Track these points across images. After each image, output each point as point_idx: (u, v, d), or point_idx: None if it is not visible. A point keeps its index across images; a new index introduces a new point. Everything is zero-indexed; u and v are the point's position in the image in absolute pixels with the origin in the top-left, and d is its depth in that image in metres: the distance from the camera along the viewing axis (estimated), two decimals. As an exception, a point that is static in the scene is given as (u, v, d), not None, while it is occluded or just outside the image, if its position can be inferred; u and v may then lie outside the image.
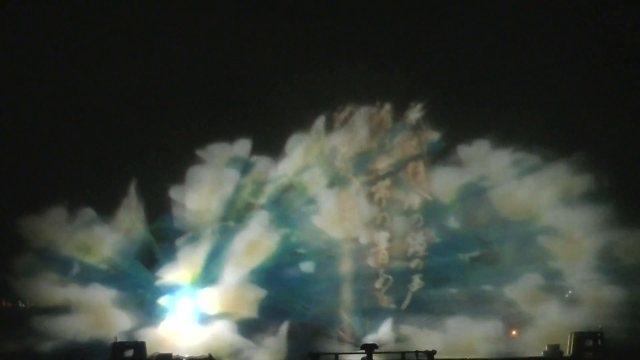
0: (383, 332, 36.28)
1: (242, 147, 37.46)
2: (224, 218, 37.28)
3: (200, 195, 37.17)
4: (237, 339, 36.14)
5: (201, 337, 36.05)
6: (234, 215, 37.33)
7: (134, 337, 35.44)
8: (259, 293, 36.39)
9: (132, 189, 36.88)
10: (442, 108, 37.53)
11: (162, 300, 36.86)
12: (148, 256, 37.24)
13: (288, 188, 37.59)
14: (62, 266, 36.59)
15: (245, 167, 37.54)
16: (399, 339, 36.10)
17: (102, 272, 36.83)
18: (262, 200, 37.53)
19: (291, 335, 36.10)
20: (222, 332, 36.20)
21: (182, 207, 37.10)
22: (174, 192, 37.09)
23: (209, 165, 37.34)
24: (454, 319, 36.43)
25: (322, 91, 36.92)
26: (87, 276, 36.63)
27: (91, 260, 36.83)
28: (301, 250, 37.47)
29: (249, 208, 37.43)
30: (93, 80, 36.51)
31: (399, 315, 36.77)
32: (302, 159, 37.58)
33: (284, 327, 36.12)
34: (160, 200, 36.95)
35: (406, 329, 36.43)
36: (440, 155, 37.42)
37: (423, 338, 35.82)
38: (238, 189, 37.45)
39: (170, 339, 35.93)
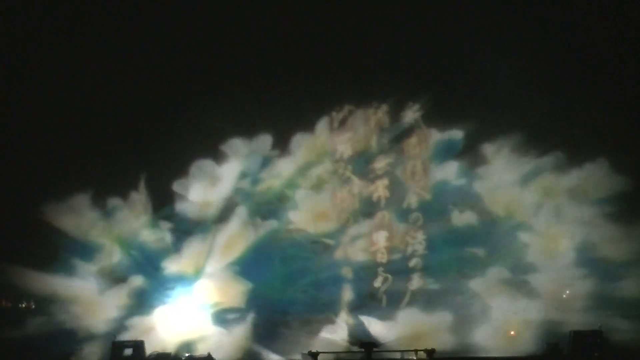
0: (339, 325, 36.36)
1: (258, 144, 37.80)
2: (229, 212, 37.43)
3: (208, 189, 37.43)
4: (213, 327, 36.44)
5: (181, 324, 36.33)
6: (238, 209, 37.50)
7: (125, 325, 35.74)
8: (248, 285, 36.64)
9: (142, 182, 37.14)
10: (442, 108, 37.46)
11: (163, 290, 37.01)
12: (158, 247, 37.42)
13: (291, 185, 37.83)
14: (84, 255, 36.79)
15: (254, 163, 37.82)
16: (356, 332, 36.14)
17: (116, 261, 37.11)
18: (266, 196, 37.90)
19: (255, 325, 36.28)
20: (202, 320, 36.54)
21: (188, 200, 37.40)
22: (179, 186, 37.31)
23: (220, 159, 37.58)
24: (406, 311, 36.51)
25: (321, 90, 37.00)
26: (104, 266, 36.98)
27: (109, 249, 37.11)
28: (298, 249, 37.61)
29: (254, 203, 37.63)
30: (120, 77, 36.82)
31: (356, 308, 36.87)
32: (304, 157, 37.75)
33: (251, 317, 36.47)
34: (169, 193, 37.25)
35: (364, 321, 36.50)
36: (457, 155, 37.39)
37: (378, 329, 35.94)
38: (245, 182, 37.76)
39: (154, 327, 36.14)
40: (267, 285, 36.75)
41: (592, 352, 33.66)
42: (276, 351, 35.86)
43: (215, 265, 36.81)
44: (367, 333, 36.03)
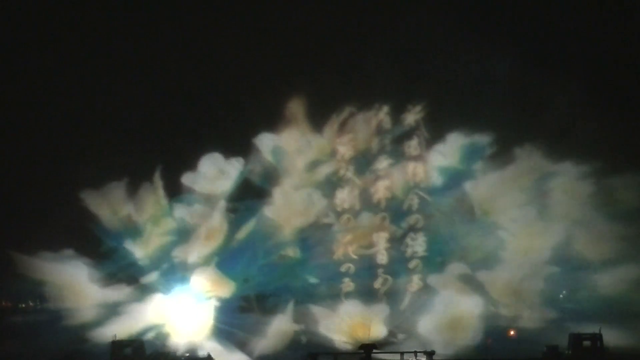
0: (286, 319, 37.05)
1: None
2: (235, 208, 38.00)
3: (213, 182, 37.97)
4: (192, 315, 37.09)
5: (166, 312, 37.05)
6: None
7: (119, 312, 36.10)
8: (234, 277, 37.43)
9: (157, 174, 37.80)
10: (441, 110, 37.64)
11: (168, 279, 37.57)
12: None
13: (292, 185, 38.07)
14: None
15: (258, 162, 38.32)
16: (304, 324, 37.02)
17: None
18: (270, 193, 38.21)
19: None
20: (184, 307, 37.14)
21: (193, 193, 37.95)
22: (186, 178, 37.91)
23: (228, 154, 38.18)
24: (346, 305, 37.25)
25: (323, 92, 37.24)
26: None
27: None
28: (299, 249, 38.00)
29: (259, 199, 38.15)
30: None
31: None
32: (306, 158, 38.08)
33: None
34: (177, 185, 37.96)
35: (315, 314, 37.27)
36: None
37: (324, 322, 36.98)
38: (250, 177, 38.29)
39: (142, 314, 36.60)
40: (248, 277, 37.50)
41: (592, 355, 33.78)
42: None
43: (209, 258, 37.31)
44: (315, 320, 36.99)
